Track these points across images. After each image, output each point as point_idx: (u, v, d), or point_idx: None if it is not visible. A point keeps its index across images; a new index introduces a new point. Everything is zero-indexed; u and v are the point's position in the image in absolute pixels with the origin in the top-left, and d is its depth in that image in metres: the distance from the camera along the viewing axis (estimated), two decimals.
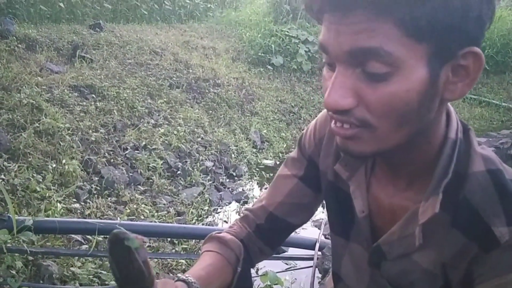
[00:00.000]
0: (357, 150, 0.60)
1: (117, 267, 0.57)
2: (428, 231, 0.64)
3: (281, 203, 0.87)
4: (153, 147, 3.50)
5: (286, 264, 2.37)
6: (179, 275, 0.75)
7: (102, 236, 1.99)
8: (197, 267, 0.80)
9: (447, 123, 0.64)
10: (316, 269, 1.85)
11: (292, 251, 2.42)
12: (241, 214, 0.96)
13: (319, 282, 2.11)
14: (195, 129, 4.13)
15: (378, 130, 0.57)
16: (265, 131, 4.81)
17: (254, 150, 4.48)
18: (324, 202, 0.87)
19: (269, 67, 6.19)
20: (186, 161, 3.68)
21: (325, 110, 0.80)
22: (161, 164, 3.34)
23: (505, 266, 0.60)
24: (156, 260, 2.09)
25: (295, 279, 2.27)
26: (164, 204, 2.96)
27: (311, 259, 1.99)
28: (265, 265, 2.20)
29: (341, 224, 0.81)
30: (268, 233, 0.90)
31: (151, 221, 2.55)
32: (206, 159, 3.89)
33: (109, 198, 2.71)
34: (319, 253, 1.88)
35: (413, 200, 0.67)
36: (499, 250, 0.59)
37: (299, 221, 0.90)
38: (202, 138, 4.13)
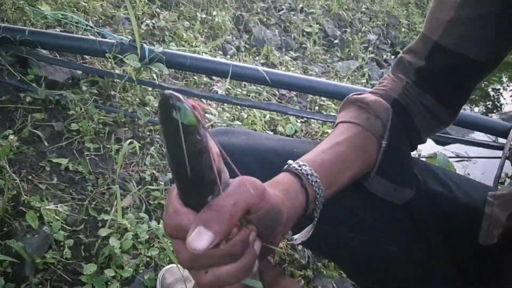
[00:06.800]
0: None
1: (166, 147, 0.34)
2: None
3: (452, 23, 0.54)
4: (311, 10, 3.09)
5: (454, 154, 1.89)
6: (290, 162, 0.49)
7: (235, 81, 1.77)
8: (321, 146, 0.54)
9: None
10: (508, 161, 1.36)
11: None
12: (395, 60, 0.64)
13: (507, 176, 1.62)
14: None
15: None
16: None
17: None
18: None
19: None
20: (345, 31, 3.21)
21: None
22: (317, 31, 2.95)
23: None
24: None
25: (468, 173, 1.80)
26: (316, 73, 2.63)
27: (500, 148, 1.51)
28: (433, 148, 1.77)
29: None
30: (436, 81, 0.57)
31: None
32: (369, 31, 3.36)
33: (257, 58, 2.47)
34: None
35: None
36: None
37: (483, 55, 0.55)
38: (367, 8, 3.55)
